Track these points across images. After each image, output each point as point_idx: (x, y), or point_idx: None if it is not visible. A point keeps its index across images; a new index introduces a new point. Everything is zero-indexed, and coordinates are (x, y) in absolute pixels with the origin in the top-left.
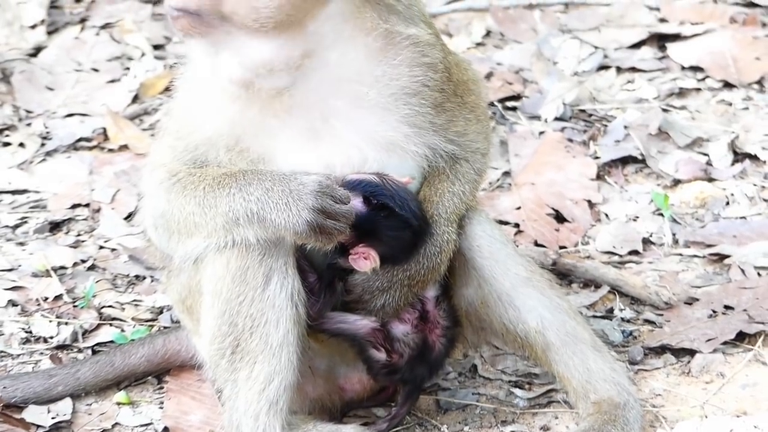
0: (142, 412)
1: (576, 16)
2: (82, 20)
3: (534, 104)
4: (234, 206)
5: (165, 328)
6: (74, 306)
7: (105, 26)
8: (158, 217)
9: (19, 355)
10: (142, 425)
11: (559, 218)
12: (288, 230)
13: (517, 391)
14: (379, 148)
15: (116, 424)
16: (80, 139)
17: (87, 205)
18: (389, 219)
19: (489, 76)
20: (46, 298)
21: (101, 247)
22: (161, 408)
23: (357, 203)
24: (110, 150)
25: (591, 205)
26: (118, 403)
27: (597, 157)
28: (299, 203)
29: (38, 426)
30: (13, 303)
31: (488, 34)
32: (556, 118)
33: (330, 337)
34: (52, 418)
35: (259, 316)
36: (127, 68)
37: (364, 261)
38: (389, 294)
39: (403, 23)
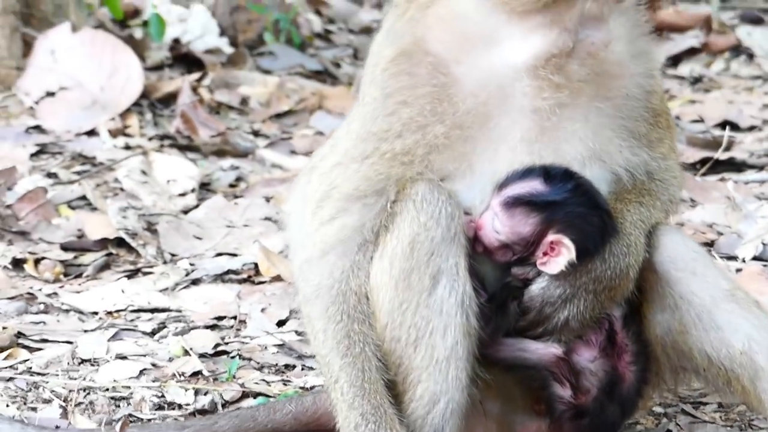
0: None
1: None
2: (236, 196)
3: (730, 245)
4: None
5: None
6: (214, 380)
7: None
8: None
9: (150, 420)
10: None
11: None
12: None
13: None
14: (592, 155)
15: None
16: (228, 272)
17: (234, 318)
18: (575, 193)
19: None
20: (183, 373)
21: (246, 343)
22: None
23: (537, 184)
24: (261, 282)
25: None
26: None
27: None
28: None
29: None
30: (144, 371)
31: None
32: (755, 258)
33: (506, 370)
34: None
35: (424, 325)
36: (282, 229)
37: (556, 259)
38: (573, 304)
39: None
